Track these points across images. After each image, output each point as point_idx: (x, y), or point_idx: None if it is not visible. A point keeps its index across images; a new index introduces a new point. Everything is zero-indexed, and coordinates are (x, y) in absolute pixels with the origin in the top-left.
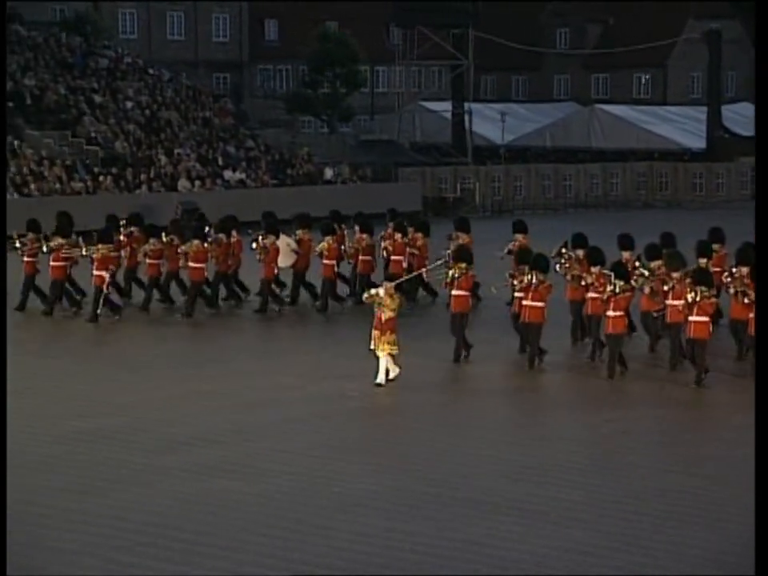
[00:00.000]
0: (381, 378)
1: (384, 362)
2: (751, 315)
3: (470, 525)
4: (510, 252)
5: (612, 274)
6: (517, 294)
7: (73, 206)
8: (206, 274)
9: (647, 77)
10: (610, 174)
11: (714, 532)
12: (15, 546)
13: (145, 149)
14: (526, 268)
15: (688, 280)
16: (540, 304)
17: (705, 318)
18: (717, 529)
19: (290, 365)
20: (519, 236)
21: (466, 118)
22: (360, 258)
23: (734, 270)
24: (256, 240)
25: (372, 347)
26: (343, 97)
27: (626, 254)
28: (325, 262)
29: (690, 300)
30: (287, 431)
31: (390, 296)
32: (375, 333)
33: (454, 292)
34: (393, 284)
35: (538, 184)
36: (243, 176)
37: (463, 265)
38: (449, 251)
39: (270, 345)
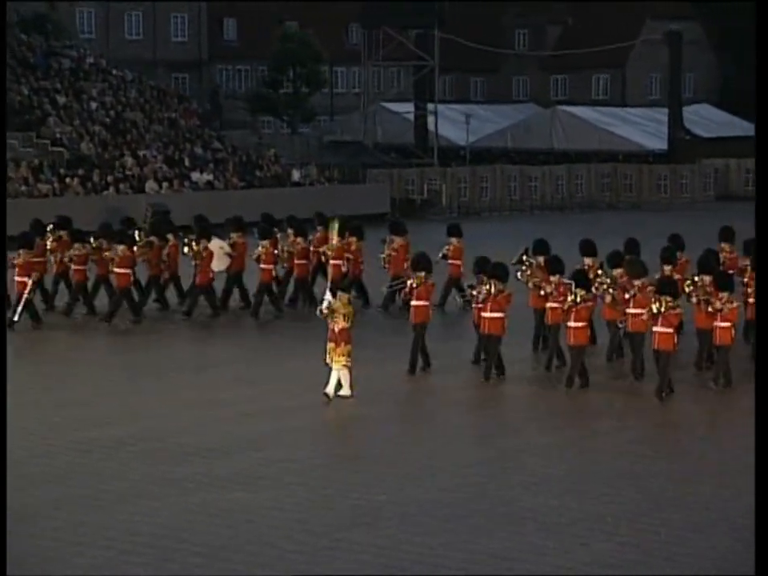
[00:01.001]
0: (347, 391)
1: (336, 374)
2: (716, 324)
3: (491, 537)
4: (444, 256)
5: (573, 283)
6: (476, 305)
7: (40, 209)
8: (131, 279)
9: (606, 78)
10: (575, 175)
11: (739, 541)
12: (30, 558)
13: (111, 150)
14: (482, 277)
15: (650, 288)
16: (499, 315)
17: (669, 330)
18: (741, 540)
19: (280, 373)
20: (454, 240)
21: (431, 119)
22: (295, 261)
23: (695, 278)
24: (188, 244)
25: (328, 360)
26: (305, 97)
27: (588, 261)
28: (262, 266)
29: (654, 310)
30: (293, 441)
31: (343, 305)
32: (330, 345)
33: (413, 302)
34: (346, 295)
35: (503, 185)
36: (211, 177)
37: (422, 274)
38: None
39: (256, 352)
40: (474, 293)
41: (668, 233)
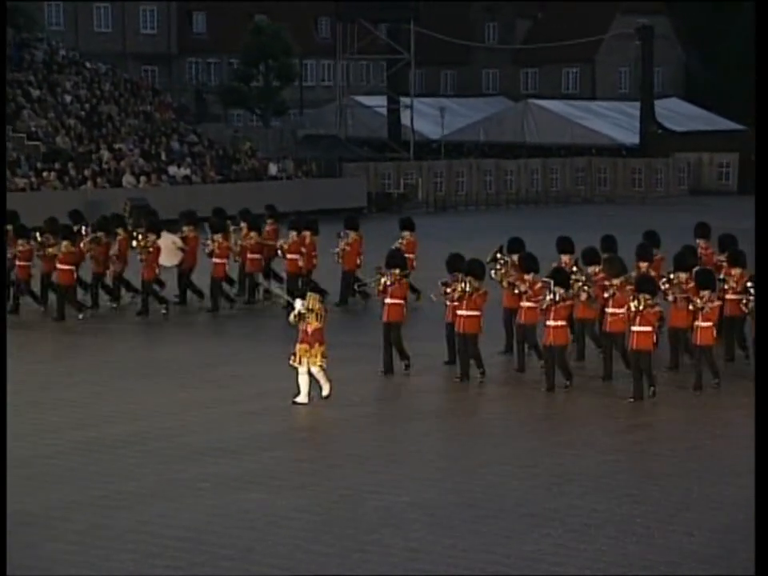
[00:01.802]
0: (304, 398)
1: (305, 378)
2: (697, 323)
3: (520, 540)
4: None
5: (551, 281)
6: (450, 303)
7: (17, 203)
8: (75, 276)
9: (576, 72)
10: (550, 169)
11: None
12: (56, 562)
13: (87, 143)
14: (457, 274)
15: (629, 287)
16: (476, 313)
17: (648, 329)
18: None
19: (277, 372)
20: (407, 233)
21: (404, 113)
22: (248, 256)
23: (671, 275)
24: (136, 239)
25: (292, 362)
26: (277, 90)
27: (565, 258)
28: (215, 261)
29: (632, 308)
30: (300, 441)
31: (314, 305)
32: (302, 347)
33: (387, 300)
34: (317, 295)
35: (479, 179)
36: (188, 172)
37: (397, 271)
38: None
39: (250, 351)
40: (448, 290)
41: (643, 227)
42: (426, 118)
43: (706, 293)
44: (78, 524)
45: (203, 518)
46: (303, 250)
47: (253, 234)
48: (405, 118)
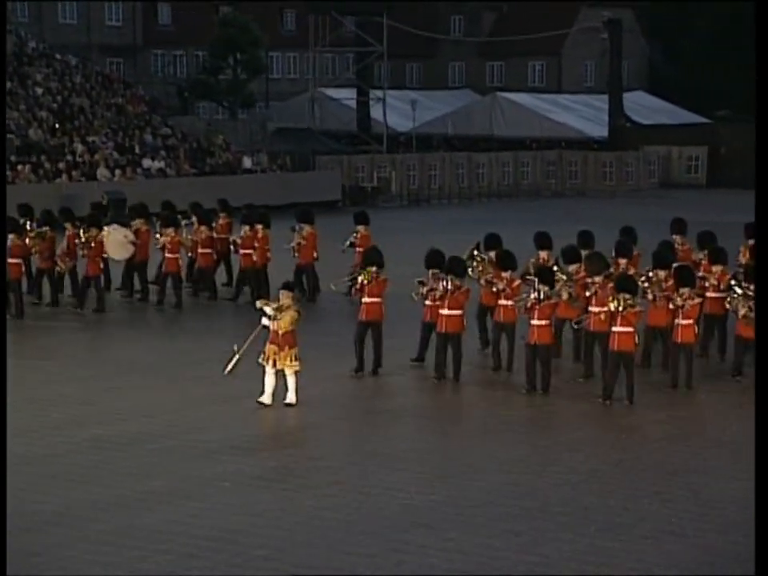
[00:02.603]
0: (291, 398)
1: (271, 379)
2: (677, 321)
3: (556, 539)
4: (352, 244)
5: (536, 279)
6: (427, 302)
7: None
8: (21, 270)
9: (542, 65)
10: (521, 162)
11: None
12: (88, 563)
13: (60, 136)
14: (437, 272)
15: (611, 285)
16: (458, 312)
17: (629, 329)
18: None
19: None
20: (361, 227)
21: (377, 105)
22: (199, 250)
23: (650, 273)
24: (77, 234)
25: (260, 361)
26: (245, 83)
27: (543, 254)
28: (168, 255)
29: (612, 309)
30: (315, 438)
31: (288, 306)
32: (271, 347)
33: (365, 299)
34: (290, 292)
35: (452, 173)
36: (162, 165)
37: (373, 269)
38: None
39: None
40: (425, 289)
41: (615, 221)
42: (395, 111)
43: (685, 290)
44: (106, 524)
45: (231, 518)
46: (257, 244)
47: (203, 228)
48: (373, 110)
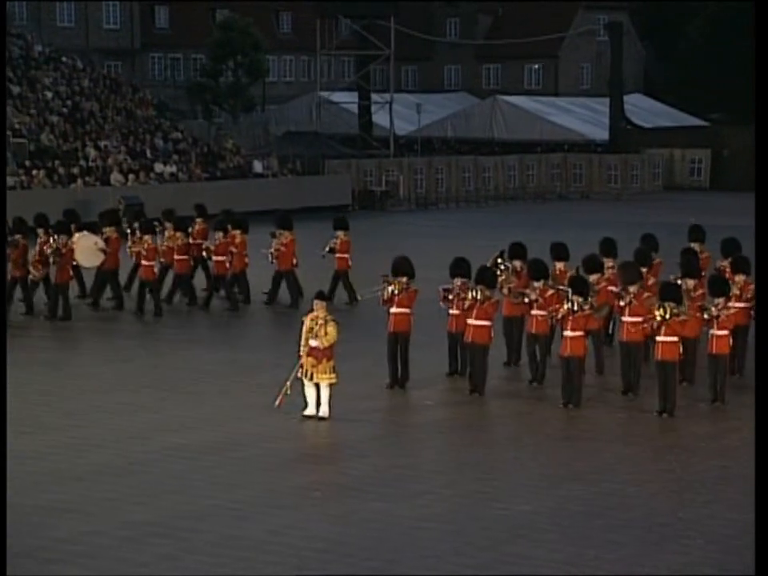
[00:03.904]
0: (324, 411)
1: (312, 391)
2: (712, 332)
3: (666, 551)
4: (331, 250)
5: (569, 290)
6: (453, 312)
7: (8, 202)
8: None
9: (539, 67)
10: (526, 165)
11: None
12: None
13: (72, 141)
14: (465, 281)
15: (647, 295)
16: (486, 323)
17: (674, 338)
18: None
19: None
20: (341, 233)
21: (380, 109)
22: (175, 257)
23: (678, 282)
24: (47, 242)
25: (299, 375)
26: (246, 86)
27: (559, 265)
28: (144, 263)
29: (658, 318)
30: (387, 447)
31: (325, 318)
32: (309, 360)
33: (393, 310)
34: (323, 302)
35: (458, 176)
36: (174, 169)
37: (404, 279)
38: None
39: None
40: (451, 297)
41: (622, 224)
42: (394, 114)
43: (720, 300)
44: (209, 534)
45: (331, 528)
46: (234, 250)
47: (179, 234)
48: (386, 114)
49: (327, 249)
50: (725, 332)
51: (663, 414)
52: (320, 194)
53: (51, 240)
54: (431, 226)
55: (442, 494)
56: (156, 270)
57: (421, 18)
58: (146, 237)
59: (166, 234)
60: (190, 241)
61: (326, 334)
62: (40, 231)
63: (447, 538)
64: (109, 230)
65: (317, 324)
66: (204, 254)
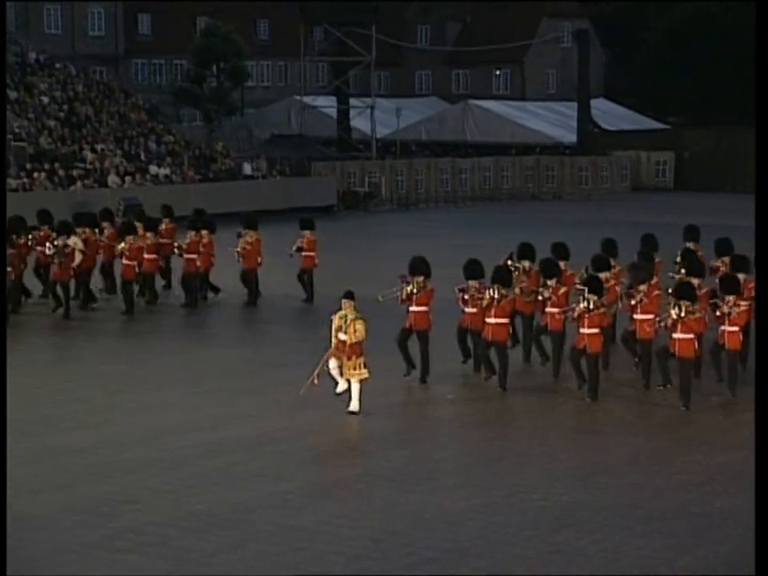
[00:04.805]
0: (355, 406)
1: (356, 388)
2: (723, 328)
3: (711, 541)
4: (299, 249)
5: (585, 288)
6: (468, 310)
7: (11, 204)
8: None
9: (506, 73)
10: (501, 167)
11: None
12: (254, 562)
13: (70, 144)
14: (483, 281)
15: (656, 293)
16: (504, 321)
17: (690, 336)
18: None
19: None
20: (307, 232)
21: (361, 113)
22: (145, 256)
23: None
24: (51, 242)
25: (325, 368)
26: (228, 91)
27: (561, 264)
28: (125, 262)
29: (674, 316)
30: (419, 439)
31: (354, 315)
32: (341, 356)
33: (412, 308)
34: (352, 301)
35: (436, 178)
36: (168, 171)
37: (421, 278)
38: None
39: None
40: (466, 297)
41: (600, 222)
42: (367, 117)
43: (731, 297)
44: (265, 525)
45: (379, 518)
46: (202, 249)
47: (149, 234)
48: (366, 118)
49: (295, 248)
50: (736, 328)
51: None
52: (307, 195)
53: (54, 241)
54: (413, 225)
55: (479, 486)
56: (136, 270)
57: (392, 25)
58: (129, 237)
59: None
60: (160, 241)
61: (354, 331)
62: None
63: (494, 528)
64: (89, 231)
65: (345, 322)
66: (176, 251)
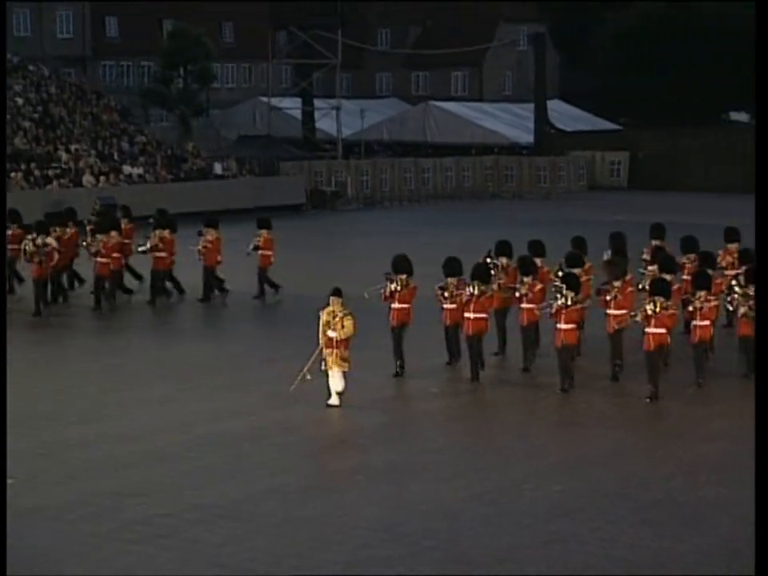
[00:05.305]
0: (335, 399)
1: (334, 379)
2: (696, 323)
3: (709, 526)
4: (256, 248)
5: (564, 285)
6: (447, 306)
7: None
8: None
9: (464, 75)
10: (462, 167)
11: None
12: (265, 555)
13: (44, 145)
14: (463, 279)
15: (630, 289)
16: (483, 315)
17: (663, 330)
18: None
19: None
20: (264, 231)
21: (321, 113)
22: (113, 255)
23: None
24: (31, 241)
25: (324, 368)
26: (196, 92)
27: (538, 261)
28: (100, 260)
29: (649, 312)
30: (410, 434)
31: (342, 312)
32: (327, 351)
33: (394, 305)
34: (340, 298)
35: (400, 177)
36: (141, 171)
37: (404, 276)
38: None
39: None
40: (446, 294)
41: (558, 221)
42: (331, 118)
43: (702, 293)
44: (269, 516)
45: (380, 509)
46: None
47: (114, 233)
48: (332, 119)
49: (252, 247)
50: (707, 322)
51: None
52: (276, 194)
53: (31, 239)
54: (378, 223)
55: (473, 478)
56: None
57: (354, 28)
58: (102, 235)
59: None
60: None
61: (343, 327)
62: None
63: (492, 517)
64: (60, 231)
65: (333, 318)
66: (140, 250)
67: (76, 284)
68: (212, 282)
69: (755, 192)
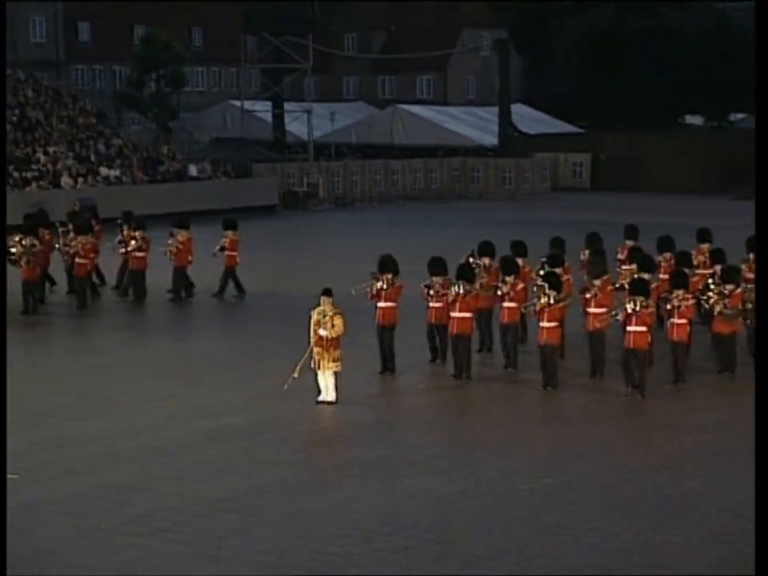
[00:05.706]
0: (332, 396)
1: (324, 379)
2: (672, 321)
3: (684, 521)
4: (222, 249)
5: (546, 284)
6: (433, 304)
7: None
8: None
9: (429, 79)
10: (430, 169)
11: None
12: (273, 547)
13: (23, 147)
14: (448, 278)
15: (609, 288)
16: (468, 315)
17: (643, 328)
18: None
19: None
20: (230, 232)
21: (292, 116)
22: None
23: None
24: (17, 243)
25: (313, 366)
26: (168, 96)
27: (519, 261)
28: (78, 261)
29: (629, 310)
30: (401, 428)
31: (333, 311)
32: (317, 350)
33: (380, 304)
34: (330, 297)
35: (370, 178)
36: (118, 173)
37: (390, 275)
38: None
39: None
40: (432, 293)
41: (519, 221)
42: (300, 121)
43: (680, 292)
44: (271, 509)
45: (378, 503)
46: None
47: (89, 235)
48: (302, 121)
49: (218, 248)
50: (684, 321)
51: (626, 396)
52: (250, 195)
53: (18, 240)
54: (349, 224)
55: (467, 471)
56: (98, 269)
57: (321, 34)
58: (82, 236)
59: (70, 234)
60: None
61: (333, 326)
62: None
63: (487, 510)
64: (44, 232)
65: (324, 317)
66: (119, 250)
67: (48, 285)
68: (181, 282)
69: (755, 192)
